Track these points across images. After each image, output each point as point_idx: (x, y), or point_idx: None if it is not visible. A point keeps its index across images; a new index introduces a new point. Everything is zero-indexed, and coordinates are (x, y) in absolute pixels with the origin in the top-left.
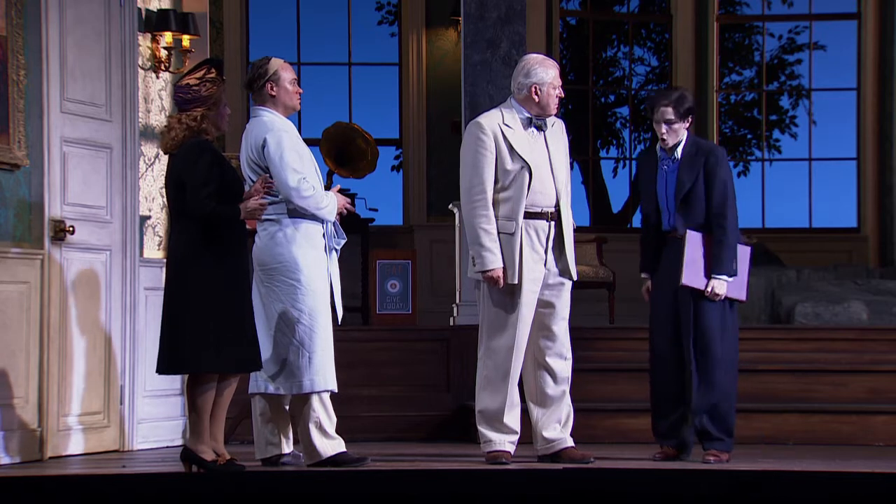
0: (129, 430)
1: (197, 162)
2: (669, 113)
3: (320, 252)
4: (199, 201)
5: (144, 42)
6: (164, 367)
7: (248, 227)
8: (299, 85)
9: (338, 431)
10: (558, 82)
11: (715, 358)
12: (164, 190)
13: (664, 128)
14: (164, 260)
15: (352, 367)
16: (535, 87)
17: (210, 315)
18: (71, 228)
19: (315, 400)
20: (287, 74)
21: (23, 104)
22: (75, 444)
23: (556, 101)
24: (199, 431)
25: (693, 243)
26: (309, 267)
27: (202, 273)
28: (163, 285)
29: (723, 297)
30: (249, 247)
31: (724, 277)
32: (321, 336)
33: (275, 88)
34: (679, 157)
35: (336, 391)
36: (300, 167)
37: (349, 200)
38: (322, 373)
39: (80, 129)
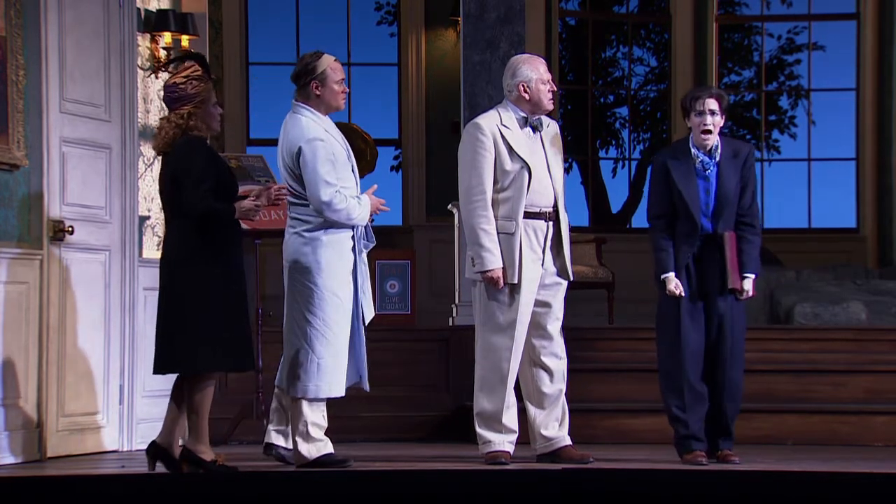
0: (129, 430)
1: (193, 158)
2: (714, 104)
3: (347, 255)
4: (197, 196)
5: (143, 42)
6: (160, 367)
7: (244, 226)
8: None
9: (337, 432)
10: (547, 76)
11: (743, 359)
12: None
13: (709, 119)
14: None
15: None
16: (523, 85)
17: (205, 314)
18: (70, 229)
19: (306, 404)
20: (335, 75)
21: (22, 104)
22: (74, 444)
23: (549, 95)
24: (198, 432)
25: (730, 244)
26: (331, 270)
27: (197, 273)
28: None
29: (753, 296)
30: (247, 247)
31: (753, 276)
32: (333, 342)
33: (320, 88)
34: (719, 157)
35: (343, 395)
36: (334, 179)
37: (383, 201)
38: (328, 379)
39: (79, 129)
